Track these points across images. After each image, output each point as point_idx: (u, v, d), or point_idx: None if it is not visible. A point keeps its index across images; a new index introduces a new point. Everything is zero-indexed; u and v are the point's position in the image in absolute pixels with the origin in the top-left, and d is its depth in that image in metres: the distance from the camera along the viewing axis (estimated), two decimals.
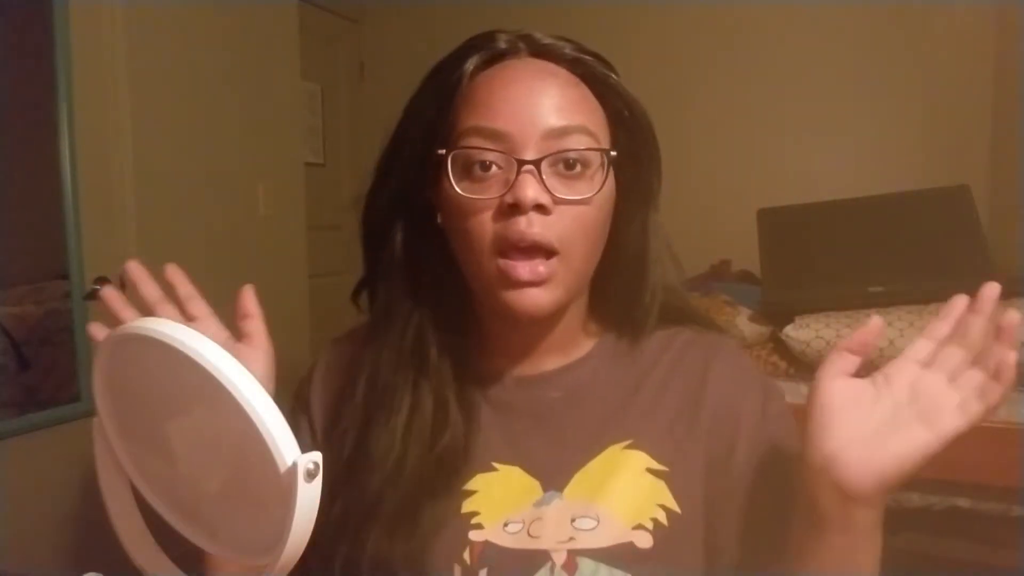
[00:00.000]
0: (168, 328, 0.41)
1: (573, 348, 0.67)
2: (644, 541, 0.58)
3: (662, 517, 0.59)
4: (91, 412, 0.48)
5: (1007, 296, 1.62)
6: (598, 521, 0.58)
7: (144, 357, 0.44)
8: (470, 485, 0.61)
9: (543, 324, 0.64)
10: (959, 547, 1.53)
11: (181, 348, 0.40)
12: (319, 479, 0.39)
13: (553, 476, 0.61)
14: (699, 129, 2.66)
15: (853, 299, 1.58)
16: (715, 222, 2.24)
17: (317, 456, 0.39)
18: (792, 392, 1.58)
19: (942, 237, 1.67)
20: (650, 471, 0.60)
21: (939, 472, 1.39)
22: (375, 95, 3.34)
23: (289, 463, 0.38)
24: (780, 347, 1.64)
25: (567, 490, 0.60)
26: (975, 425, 0.51)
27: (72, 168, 1.71)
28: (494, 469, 0.62)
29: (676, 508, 0.59)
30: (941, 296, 1.70)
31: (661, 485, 0.60)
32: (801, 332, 1.55)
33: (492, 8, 2.90)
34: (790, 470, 0.61)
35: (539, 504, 0.60)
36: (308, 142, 2.92)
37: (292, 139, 2.55)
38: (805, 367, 1.59)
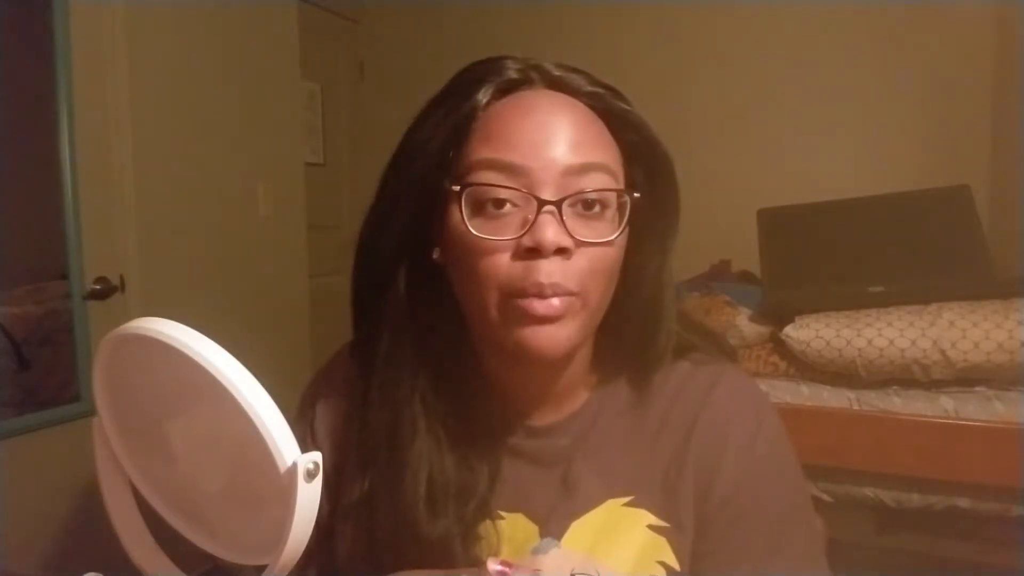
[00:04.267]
0: (168, 328, 0.41)
1: (578, 395, 0.65)
2: None
3: (661, 575, 0.57)
4: (91, 412, 0.48)
5: (1007, 296, 1.62)
6: None
7: (144, 357, 0.44)
8: (479, 531, 0.60)
9: (550, 369, 0.61)
10: (959, 547, 1.53)
11: (181, 348, 0.40)
12: (319, 479, 0.39)
13: (550, 522, 0.59)
14: (699, 129, 2.66)
15: (853, 299, 1.58)
16: (715, 222, 2.24)
17: (317, 456, 0.39)
18: (792, 392, 1.58)
19: (942, 237, 1.67)
20: (651, 527, 0.59)
21: (939, 472, 1.40)
22: (375, 95, 3.34)
23: (289, 463, 0.38)
24: (780, 347, 1.64)
25: (565, 539, 0.59)
26: None
27: (72, 168, 1.71)
28: (501, 518, 0.61)
29: (676, 566, 0.57)
30: (941, 296, 1.71)
31: (662, 542, 0.58)
32: (801, 332, 1.55)
33: (492, 9, 2.90)
34: (769, 507, 0.60)
35: (536, 551, 0.58)
36: (308, 142, 2.92)
37: (292, 139, 2.55)
38: (805, 367, 1.59)
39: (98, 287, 1.77)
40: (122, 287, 1.83)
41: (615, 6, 2.82)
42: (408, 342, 0.60)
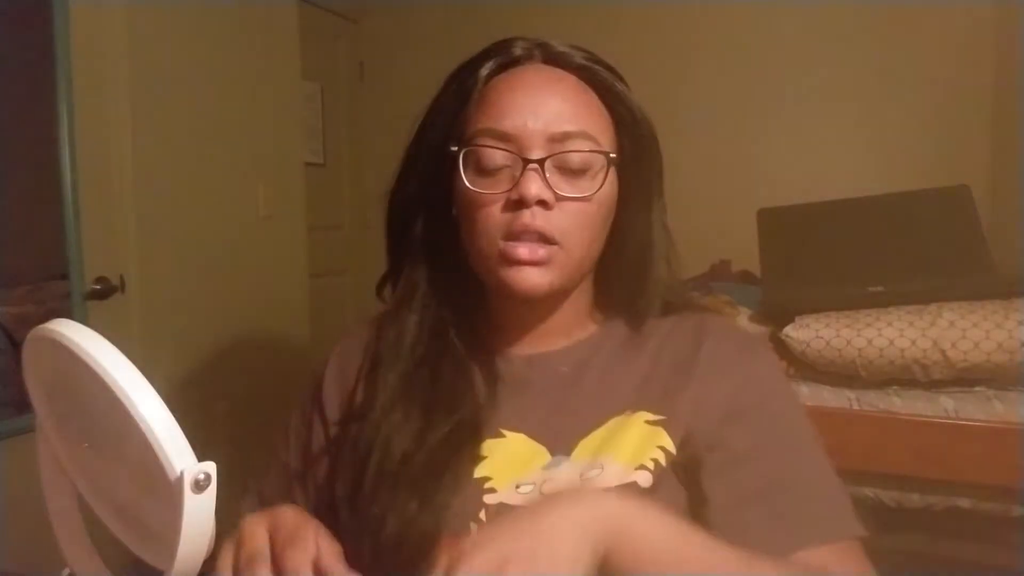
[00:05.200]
0: (67, 329, 0.40)
1: (577, 331, 0.72)
2: (645, 480, 0.61)
3: (661, 458, 0.62)
4: None
5: (1007, 296, 1.62)
6: (603, 468, 0.61)
7: (55, 359, 0.43)
8: (481, 450, 0.65)
9: (543, 306, 0.69)
10: (959, 547, 1.53)
11: (77, 351, 0.39)
12: (211, 490, 0.37)
13: (558, 442, 0.64)
14: (699, 129, 2.66)
15: (853, 299, 1.57)
16: (715, 222, 2.23)
17: (210, 467, 0.38)
18: None
19: (942, 237, 1.67)
20: (648, 422, 0.64)
21: (939, 472, 1.40)
22: (375, 95, 3.33)
23: (177, 472, 0.37)
24: (780, 347, 1.63)
25: (574, 455, 0.64)
26: None
27: (72, 168, 1.71)
28: (502, 435, 0.65)
29: (673, 450, 0.62)
30: (941, 296, 1.70)
31: (659, 430, 0.63)
32: (801, 332, 1.54)
33: (492, 8, 2.90)
34: (779, 416, 0.65)
35: (548, 467, 0.64)
36: (308, 142, 2.92)
37: (292, 139, 2.55)
38: (805, 367, 1.59)
39: (98, 287, 1.77)
40: (122, 287, 1.83)
41: (616, 7, 2.82)
42: (426, 275, 0.71)
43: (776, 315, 1.68)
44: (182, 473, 0.37)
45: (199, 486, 0.37)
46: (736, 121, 2.72)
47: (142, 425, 0.37)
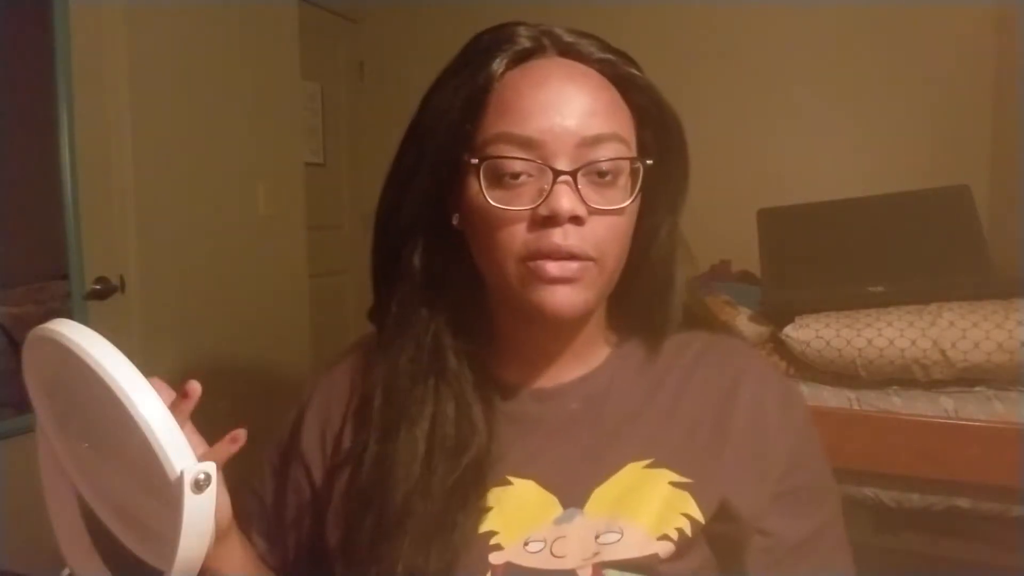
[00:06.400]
0: (67, 329, 0.40)
1: (591, 356, 0.66)
2: (666, 551, 0.56)
3: (686, 527, 0.57)
4: None
5: (1007, 296, 1.62)
6: (622, 534, 0.56)
7: (57, 359, 0.43)
8: (487, 500, 0.59)
9: (566, 329, 0.63)
10: (959, 547, 1.53)
11: (77, 351, 0.39)
12: (212, 490, 0.37)
13: (571, 492, 0.59)
14: (699, 129, 2.63)
15: (853, 299, 1.57)
16: (715, 222, 2.22)
17: (210, 467, 0.37)
18: None
19: (942, 237, 1.67)
20: (673, 484, 0.59)
21: (939, 472, 1.40)
22: (375, 95, 3.33)
23: (177, 472, 0.37)
24: (780, 347, 1.63)
25: (588, 507, 0.58)
26: None
27: (72, 168, 1.71)
28: (509, 483, 0.60)
29: (700, 518, 0.58)
30: (941, 296, 1.70)
31: (685, 496, 0.58)
32: (801, 332, 1.54)
33: (492, 8, 2.90)
34: (818, 471, 0.64)
35: (559, 522, 0.58)
36: (308, 142, 2.92)
37: (292, 139, 2.54)
38: (805, 367, 1.59)
39: (98, 287, 1.77)
40: (122, 287, 1.83)
41: (617, 7, 2.82)
42: (422, 299, 0.62)
43: (776, 315, 1.68)
44: (182, 473, 0.37)
45: (199, 486, 0.37)
46: (736, 121, 2.72)
47: (142, 425, 0.37)
